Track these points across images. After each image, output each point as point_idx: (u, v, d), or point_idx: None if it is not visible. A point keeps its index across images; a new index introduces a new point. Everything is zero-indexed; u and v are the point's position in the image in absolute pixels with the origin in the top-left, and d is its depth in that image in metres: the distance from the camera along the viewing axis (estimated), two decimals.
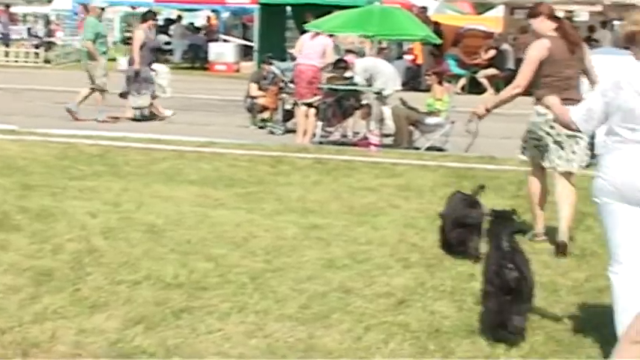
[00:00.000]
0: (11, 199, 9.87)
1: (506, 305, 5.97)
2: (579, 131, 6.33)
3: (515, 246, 6.22)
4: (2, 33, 37.98)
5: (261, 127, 17.86)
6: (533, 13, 8.99)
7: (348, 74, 16.70)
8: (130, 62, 18.92)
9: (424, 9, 31.01)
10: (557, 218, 8.77)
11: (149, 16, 19.69)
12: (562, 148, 8.64)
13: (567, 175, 8.76)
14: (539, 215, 9.04)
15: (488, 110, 8.95)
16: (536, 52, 8.67)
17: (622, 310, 5.60)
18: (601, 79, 6.19)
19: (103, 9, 18.84)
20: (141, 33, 18.76)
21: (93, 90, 18.23)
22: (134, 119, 18.43)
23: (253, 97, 18.14)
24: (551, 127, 8.49)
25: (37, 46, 37.47)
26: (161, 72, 19.86)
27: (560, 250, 8.52)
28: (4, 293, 6.69)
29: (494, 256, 6.20)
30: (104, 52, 18.53)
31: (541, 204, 9.02)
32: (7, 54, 35.84)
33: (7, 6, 40.57)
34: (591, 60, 9.04)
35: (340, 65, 17.00)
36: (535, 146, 8.84)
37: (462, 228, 8.14)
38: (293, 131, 16.78)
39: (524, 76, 8.70)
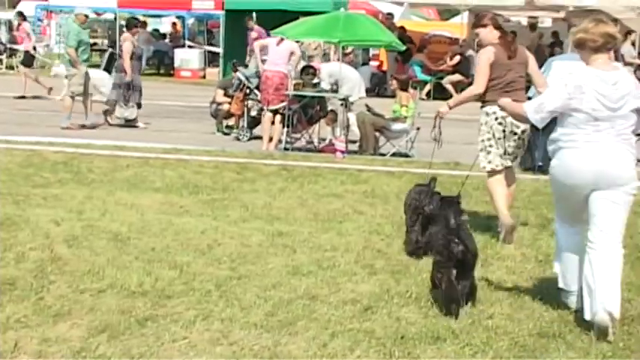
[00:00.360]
0: None
1: (454, 280, 6.82)
2: (532, 125, 7.19)
3: (461, 224, 7.06)
4: None
5: (226, 134, 17.86)
6: (481, 24, 9.76)
7: (315, 80, 16.74)
8: (118, 70, 18.91)
9: (390, 15, 31.12)
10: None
11: (134, 24, 19.81)
12: (515, 135, 9.46)
13: (507, 168, 9.68)
14: (505, 208, 9.50)
15: (450, 108, 9.69)
16: (486, 57, 9.47)
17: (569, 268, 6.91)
18: (562, 82, 6.69)
19: (87, 16, 18.76)
20: (129, 44, 18.81)
21: (68, 97, 18.17)
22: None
23: (219, 104, 18.12)
24: (499, 124, 9.37)
25: None
26: (101, 78, 19.90)
27: (509, 230, 9.21)
28: None
29: (443, 232, 7.05)
30: (85, 60, 18.50)
31: (503, 198, 9.55)
32: None
33: None
34: (536, 66, 9.92)
35: (308, 72, 17.03)
36: (491, 145, 9.52)
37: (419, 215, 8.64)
38: (259, 138, 16.77)
39: (482, 79, 9.44)
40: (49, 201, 10.41)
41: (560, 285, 7.05)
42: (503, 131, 9.42)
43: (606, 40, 6.63)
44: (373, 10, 35.01)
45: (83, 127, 18.05)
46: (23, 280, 7.20)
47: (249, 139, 17.15)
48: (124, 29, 20.36)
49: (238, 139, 17.23)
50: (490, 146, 9.51)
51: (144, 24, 40.95)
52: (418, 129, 15.12)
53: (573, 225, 6.89)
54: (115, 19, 40.76)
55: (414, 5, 34.01)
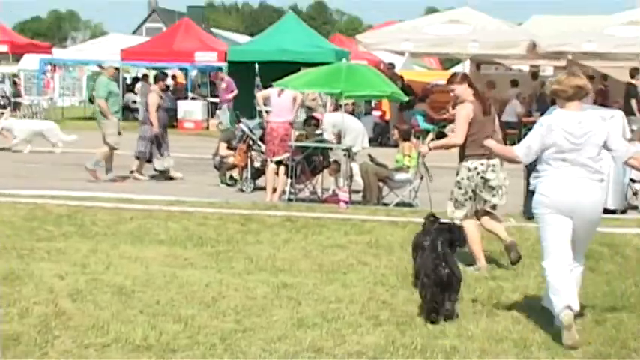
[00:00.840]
0: None
1: (438, 295, 7.87)
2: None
3: (447, 250, 8.15)
4: None
5: (230, 185, 17.87)
6: (457, 80, 10.52)
7: (318, 131, 16.78)
8: (144, 122, 19.08)
9: (392, 65, 31.28)
10: (499, 236, 10.54)
11: (160, 77, 20.20)
12: (492, 189, 10.32)
13: (493, 208, 10.62)
14: (481, 251, 10.46)
15: (430, 149, 10.80)
16: (466, 112, 10.24)
17: (555, 292, 7.62)
18: (538, 124, 8.01)
19: (117, 69, 19.05)
20: (155, 96, 18.98)
21: (106, 148, 18.30)
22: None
23: (222, 156, 18.17)
24: (481, 178, 10.25)
25: (4, 106, 37.36)
26: (50, 129, 20.01)
27: (512, 248, 10.32)
28: None
29: (431, 256, 8.08)
30: (116, 111, 18.75)
31: (480, 242, 10.47)
32: None
33: None
34: (498, 122, 10.99)
35: (311, 123, 17.09)
36: (470, 198, 10.33)
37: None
38: (262, 189, 16.78)
39: (462, 133, 10.21)
40: (53, 255, 10.41)
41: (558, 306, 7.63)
42: (483, 184, 10.29)
43: (576, 91, 7.83)
44: (375, 60, 35.27)
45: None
46: (27, 335, 7.19)
47: (252, 191, 17.15)
48: (143, 81, 20.60)
49: (242, 191, 17.24)
50: (466, 201, 10.33)
51: (145, 77, 41.35)
52: (421, 178, 15.13)
53: (557, 244, 7.82)
54: (119, 71, 41.06)
55: (416, 55, 34.18)
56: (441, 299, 7.85)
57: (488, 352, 7.08)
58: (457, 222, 9.89)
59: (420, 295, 8.16)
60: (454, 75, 10.90)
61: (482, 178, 10.22)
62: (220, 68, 35.00)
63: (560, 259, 7.72)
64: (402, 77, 30.01)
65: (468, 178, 10.23)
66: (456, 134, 10.30)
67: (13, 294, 8.44)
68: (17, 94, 40.05)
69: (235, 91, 30.81)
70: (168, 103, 20.23)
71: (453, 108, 11.29)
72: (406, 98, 19.07)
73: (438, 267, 7.90)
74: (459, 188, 10.31)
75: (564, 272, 7.67)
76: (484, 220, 10.57)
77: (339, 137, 16.66)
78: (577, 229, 7.77)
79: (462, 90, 10.39)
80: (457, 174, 10.36)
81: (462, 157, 10.29)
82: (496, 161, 10.18)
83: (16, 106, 37.35)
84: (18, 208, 13.63)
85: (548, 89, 8.20)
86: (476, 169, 10.19)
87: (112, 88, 18.57)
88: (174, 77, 41.35)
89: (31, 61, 43.69)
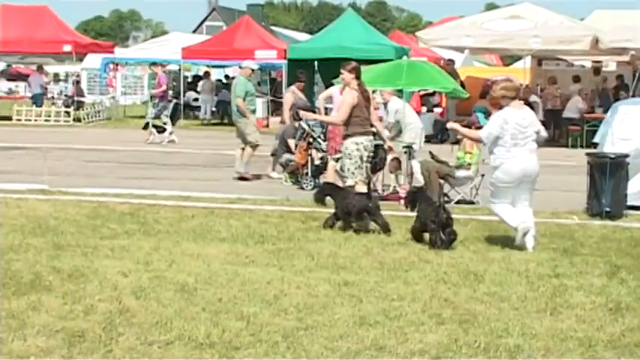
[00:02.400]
0: (43, 260, 9.90)
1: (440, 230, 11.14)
2: (598, 172, 13.13)
3: (442, 201, 11.65)
4: (35, 93, 38.39)
5: (295, 183, 17.87)
6: (349, 69, 12.84)
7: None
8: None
9: (451, 61, 31.11)
10: None
11: (298, 77, 20.61)
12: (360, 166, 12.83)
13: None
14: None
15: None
16: (351, 97, 12.72)
17: (511, 217, 11.27)
18: (497, 116, 11.40)
19: (253, 70, 19.29)
20: (290, 95, 19.25)
21: (249, 147, 18.48)
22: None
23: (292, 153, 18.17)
24: (365, 150, 12.84)
25: (67, 105, 37.84)
26: None
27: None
28: (36, 356, 6.67)
29: (431, 207, 11.41)
30: (253, 110, 19.10)
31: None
32: (38, 113, 36.27)
33: (40, 67, 41.05)
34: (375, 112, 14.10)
35: None
36: (359, 167, 12.81)
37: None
38: None
39: (344, 114, 12.75)
40: (116, 252, 10.51)
41: (514, 224, 11.20)
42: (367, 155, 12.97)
43: (517, 93, 11.62)
44: (435, 56, 35.12)
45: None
46: (92, 332, 7.25)
47: (313, 188, 17.16)
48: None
49: (302, 188, 17.27)
50: (356, 169, 12.82)
51: (207, 74, 41.63)
52: (483, 176, 15.03)
53: (507, 201, 11.38)
54: (180, 70, 41.39)
55: (476, 51, 33.95)
56: (443, 232, 11.16)
57: (552, 351, 7.01)
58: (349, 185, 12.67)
59: (411, 232, 11.62)
60: (348, 63, 13.08)
61: (365, 150, 12.83)
62: (280, 66, 35.11)
63: (508, 205, 11.35)
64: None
65: (357, 150, 12.73)
66: (339, 115, 12.96)
67: (78, 291, 8.54)
68: (80, 93, 40.49)
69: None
70: (307, 103, 20.32)
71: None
72: (467, 95, 18.97)
73: (439, 212, 11.21)
74: (350, 159, 12.76)
75: (510, 208, 11.32)
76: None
77: (398, 126, 16.60)
78: (527, 185, 11.31)
79: (351, 79, 12.74)
80: (346, 149, 12.83)
81: (347, 135, 12.86)
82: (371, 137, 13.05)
83: (79, 105, 37.83)
84: (82, 206, 13.78)
85: (497, 94, 11.52)
86: (362, 143, 12.77)
87: (248, 87, 18.87)
88: (226, 77, 41.63)
89: (93, 61, 44.18)
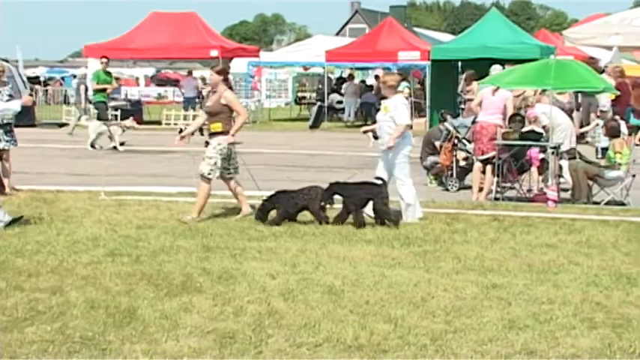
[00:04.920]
0: (193, 262, 10.11)
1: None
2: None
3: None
4: (187, 97, 39.27)
5: (440, 184, 17.76)
6: (216, 71, 13.50)
7: (525, 129, 16.46)
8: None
9: (593, 59, 30.44)
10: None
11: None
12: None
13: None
14: None
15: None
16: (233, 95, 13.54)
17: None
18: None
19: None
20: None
21: None
22: None
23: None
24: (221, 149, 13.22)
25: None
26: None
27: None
28: (189, 356, 6.81)
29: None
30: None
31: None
32: (185, 117, 37.04)
33: (190, 72, 41.93)
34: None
35: (516, 119, 16.80)
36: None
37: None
38: (467, 188, 16.65)
39: (244, 110, 13.94)
40: (264, 254, 10.64)
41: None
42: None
43: (398, 84, 13.14)
44: (582, 55, 34.42)
45: None
46: (242, 333, 7.36)
47: (458, 190, 17.05)
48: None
49: (447, 190, 17.16)
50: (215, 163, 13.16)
51: (351, 77, 41.78)
52: (634, 176, 14.67)
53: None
54: (324, 72, 41.67)
55: (625, 49, 33.06)
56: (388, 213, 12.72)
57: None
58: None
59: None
60: (216, 66, 14.24)
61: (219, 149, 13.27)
62: (422, 66, 34.99)
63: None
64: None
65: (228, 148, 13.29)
66: (241, 112, 13.50)
67: (228, 293, 8.67)
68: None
69: None
70: None
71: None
72: (617, 93, 18.53)
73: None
74: (211, 154, 13.18)
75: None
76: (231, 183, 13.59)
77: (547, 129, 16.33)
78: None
79: (219, 79, 13.31)
80: (218, 144, 13.14)
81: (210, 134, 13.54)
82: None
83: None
84: (229, 208, 13.98)
85: (389, 83, 13.61)
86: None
87: None
88: (376, 77, 41.66)
89: (239, 65, 44.89)
